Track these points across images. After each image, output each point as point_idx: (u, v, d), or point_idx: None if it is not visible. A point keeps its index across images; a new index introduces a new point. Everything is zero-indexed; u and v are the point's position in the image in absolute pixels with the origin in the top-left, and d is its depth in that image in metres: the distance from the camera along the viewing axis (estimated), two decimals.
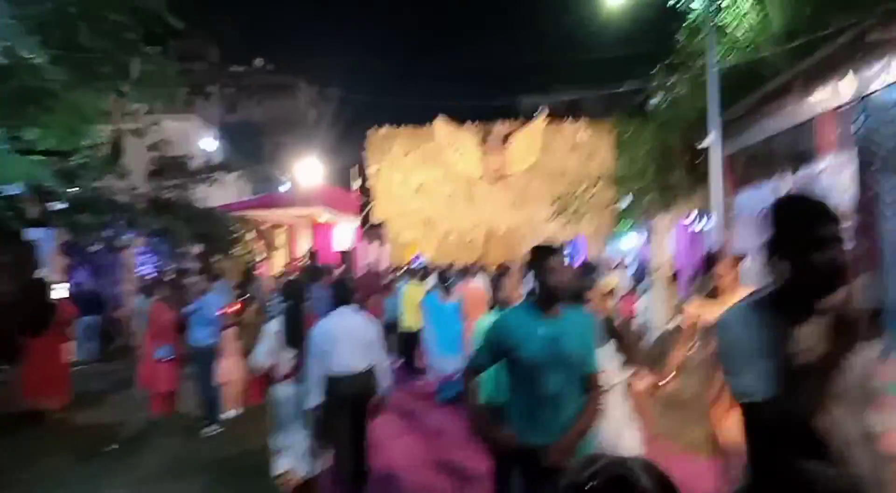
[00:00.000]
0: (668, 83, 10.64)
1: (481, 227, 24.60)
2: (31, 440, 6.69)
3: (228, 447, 6.23)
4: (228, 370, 7.26)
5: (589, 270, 5.95)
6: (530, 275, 3.50)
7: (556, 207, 24.08)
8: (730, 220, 10.13)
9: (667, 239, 11.64)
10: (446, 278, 8.64)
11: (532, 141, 24.53)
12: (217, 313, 6.88)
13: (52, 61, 6.91)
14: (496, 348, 3.37)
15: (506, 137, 24.54)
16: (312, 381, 4.70)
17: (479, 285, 9.64)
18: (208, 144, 21.35)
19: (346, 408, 4.79)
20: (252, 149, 26.04)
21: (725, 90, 10.25)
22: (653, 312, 11.35)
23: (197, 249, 16.09)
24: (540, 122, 24.73)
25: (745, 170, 10.41)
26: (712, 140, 8.32)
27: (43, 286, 8.72)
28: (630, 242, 24.13)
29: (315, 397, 4.67)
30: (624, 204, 11.59)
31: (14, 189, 10.05)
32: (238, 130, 29.00)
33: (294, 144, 21.71)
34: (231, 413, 7.23)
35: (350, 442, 4.86)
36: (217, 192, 20.09)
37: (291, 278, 8.45)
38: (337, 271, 13.63)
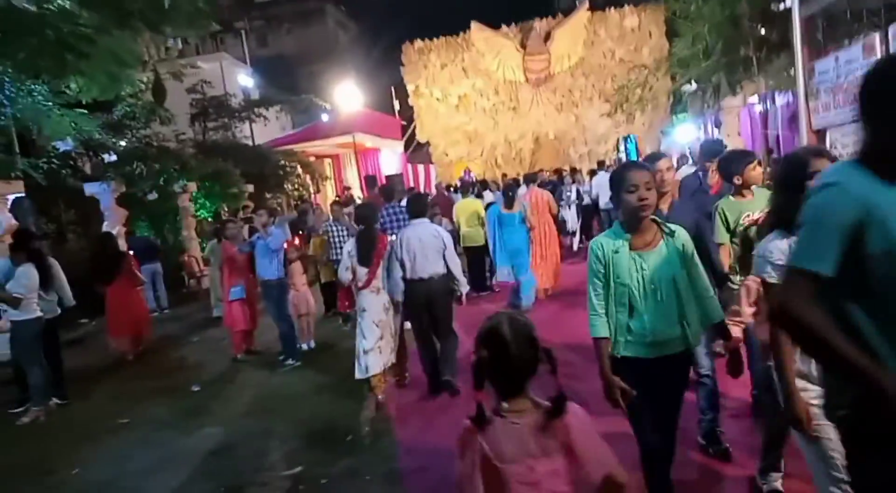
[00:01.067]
0: None
1: (528, 135, 23.77)
2: (121, 385, 6.90)
3: (308, 379, 6.24)
4: (299, 304, 7.23)
5: None
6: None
7: (607, 105, 23.01)
8: (809, 91, 9.26)
9: (736, 123, 10.81)
10: (509, 188, 8.41)
11: (575, 36, 23.10)
12: (280, 247, 6.76)
13: (81, 4, 6.62)
14: None
15: (546, 36, 23.20)
16: (394, 285, 5.27)
17: (541, 189, 9.49)
18: (244, 80, 20.99)
19: (425, 308, 5.31)
20: (288, 81, 25.57)
21: None
22: None
23: (250, 188, 16.09)
24: (582, 13, 23.18)
25: (824, 34, 9.42)
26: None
27: (111, 238, 8.82)
28: (686, 134, 22.92)
29: (397, 298, 5.30)
30: (688, 89, 10.67)
31: (66, 145, 10.06)
32: (271, 64, 28.46)
33: (329, 71, 21.15)
34: (306, 346, 7.26)
35: (429, 338, 5.44)
36: (260, 128, 19.92)
37: (362, 203, 8.46)
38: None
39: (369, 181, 19.68)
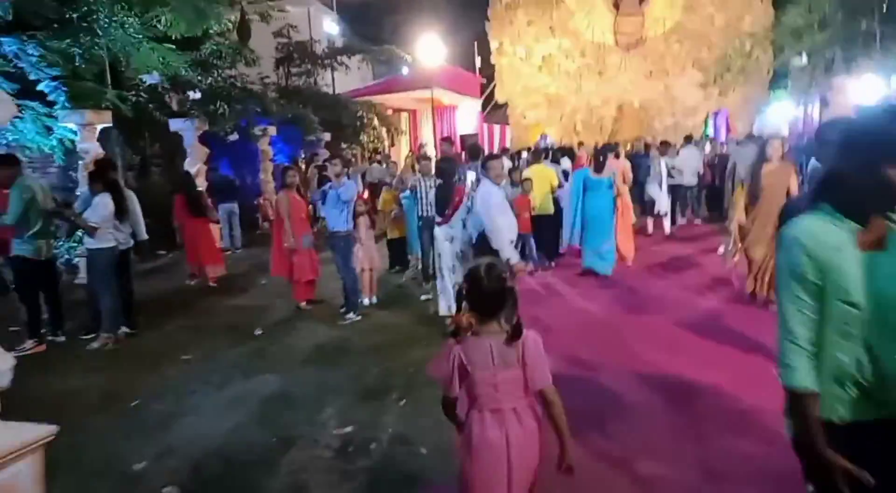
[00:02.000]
0: None
1: (612, 102, 22.67)
2: (189, 320, 7.02)
3: (367, 335, 6.13)
4: (364, 258, 7.11)
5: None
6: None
7: (700, 75, 21.58)
8: None
9: (847, 105, 9.79)
10: (602, 152, 8.22)
11: None
12: (352, 198, 6.60)
13: None
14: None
15: None
16: (470, 234, 5.77)
17: (621, 159, 9.23)
18: (330, 27, 20.83)
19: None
20: (372, 30, 25.23)
21: None
22: None
23: (327, 136, 16.09)
24: None
25: None
26: None
27: (189, 177, 8.99)
28: (783, 112, 21.32)
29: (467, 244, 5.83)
30: (797, 64, 9.69)
31: (153, 79, 10.18)
32: (356, 12, 28.13)
33: (414, 21, 20.66)
34: (367, 301, 7.17)
35: None
36: (341, 77, 19.80)
37: (442, 157, 8.57)
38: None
39: (444, 143, 19.34)
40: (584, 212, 8.04)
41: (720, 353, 5.11)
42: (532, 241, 8.45)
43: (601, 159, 8.31)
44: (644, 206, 10.99)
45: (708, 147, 13.46)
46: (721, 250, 6.17)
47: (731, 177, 10.46)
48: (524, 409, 2.30)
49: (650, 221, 11.03)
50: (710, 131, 20.78)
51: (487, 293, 2.28)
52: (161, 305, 7.67)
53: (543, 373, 2.28)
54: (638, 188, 10.67)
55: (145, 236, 6.78)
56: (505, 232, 5.38)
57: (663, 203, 10.60)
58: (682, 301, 6.74)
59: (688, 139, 13.41)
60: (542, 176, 8.82)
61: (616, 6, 22.00)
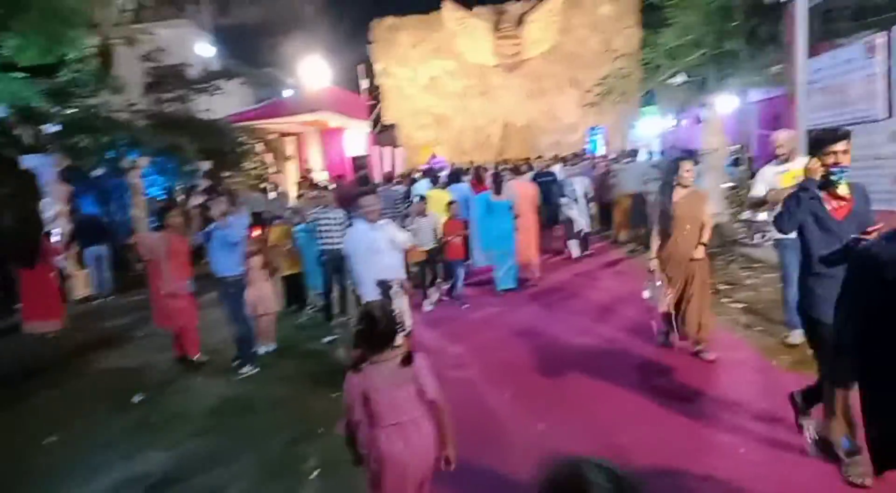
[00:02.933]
0: None
1: (498, 121, 23.13)
2: (49, 391, 6.04)
3: (267, 389, 5.50)
4: (257, 302, 6.47)
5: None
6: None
7: (577, 93, 22.50)
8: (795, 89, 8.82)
9: (720, 119, 10.37)
10: (499, 176, 8.22)
11: (549, 21, 22.49)
12: (241, 239, 5.96)
13: None
14: None
15: (520, 19, 22.51)
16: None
17: (529, 183, 9.51)
18: (205, 50, 19.64)
19: None
20: (250, 53, 24.13)
21: None
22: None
23: (206, 165, 15.02)
24: None
25: (814, 31, 8.96)
26: None
27: (38, 219, 7.94)
28: (651, 128, 22.64)
29: None
30: (675, 82, 10.15)
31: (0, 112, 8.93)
32: (234, 34, 26.94)
33: (295, 44, 19.98)
34: (264, 349, 6.53)
35: None
36: (219, 102, 18.68)
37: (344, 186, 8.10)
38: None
39: (357, 163, 18.75)
40: (489, 233, 8.25)
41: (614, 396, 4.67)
42: (461, 270, 8.16)
43: (499, 182, 8.47)
44: (564, 227, 10.45)
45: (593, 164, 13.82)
46: (646, 293, 5.38)
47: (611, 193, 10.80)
48: (421, 417, 2.67)
49: (573, 243, 10.33)
50: (602, 147, 21.57)
51: (382, 332, 2.63)
52: (16, 372, 6.59)
53: (433, 385, 2.68)
54: (550, 208, 10.34)
55: None
56: (366, 282, 4.89)
57: (583, 223, 10.24)
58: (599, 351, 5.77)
59: (576, 156, 13.78)
60: (438, 201, 8.62)
61: (496, 28, 22.47)
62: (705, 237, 5.19)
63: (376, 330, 2.62)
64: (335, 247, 6.99)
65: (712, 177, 10.34)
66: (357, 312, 2.88)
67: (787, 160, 5.18)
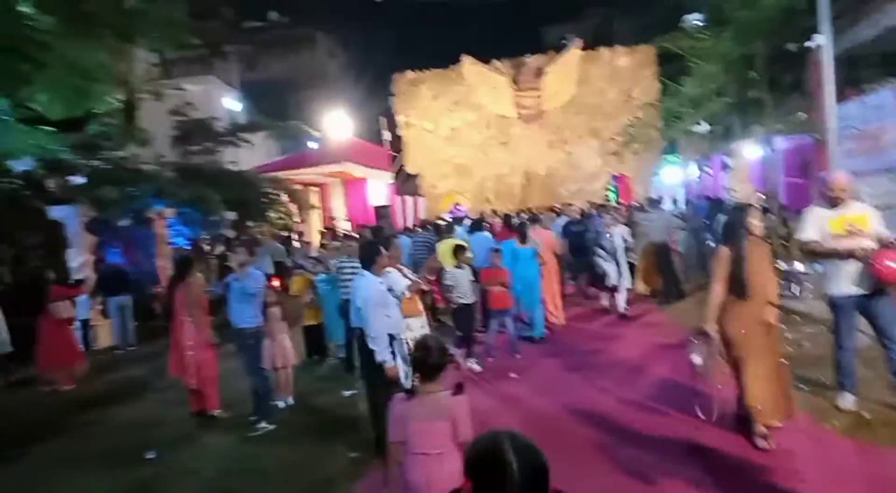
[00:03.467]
0: None
1: (519, 170, 23.14)
2: (59, 445, 5.83)
3: (285, 448, 5.23)
4: (276, 355, 6.27)
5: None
6: None
7: (597, 142, 22.56)
8: (825, 135, 8.62)
9: (746, 166, 10.15)
10: (524, 225, 8.14)
11: (567, 73, 22.66)
12: (259, 290, 5.81)
13: (37, 5, 5.71)
14: None
15: (538, 72, 22.73)
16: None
17: (550, 231, 9.46)
18: (231, 104, 20.14)
19: None
20: (276, 107, 24.73)
21: None
22: None
23: (231, 216, 15.13)
24: (574, 52, 22.80)
25: (846, 77, 8.83)
26: (822, 39, 6.76)
27: (63, 267, 7.94)
28: (674, 176, 22.48)
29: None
30: (701, 129, 10.00)
31: (26, 164, 9.05)
32: (260, 89, 27.69)
33: (318, 98, 20.39)
34: (283, 403, 6.28)
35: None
36: (245, 154, 19.03)
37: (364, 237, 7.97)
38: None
39: (380, 212, 18.81)
40: (516, 281, 7.93)
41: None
42: (509, 320, 7.58)
43: (524, 231, 8.43)
44: (594, 277, 9.98)
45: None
46: (695, 358, 4.61)
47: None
48: (449, 454, 2.73)
49: (604, 295, 9.72)
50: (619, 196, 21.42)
51: (434, 363, 2.82)
52: (21, 426, 6.39)
53: (467, 427, 2.75)
54: (581, 256, 9.98)
55: (7, 347, 5.66)
56: (380, 331, 4.59)
57: (613, 275, 9.27)
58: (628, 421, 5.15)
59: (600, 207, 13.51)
60: (446, 249, 8.43)
61: (515, 81, 22.71)
62: (775, 296, 4.52)
63: (429, 360, 2.82)
64: None
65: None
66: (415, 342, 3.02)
67: (837, 204, 4.72)
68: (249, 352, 5.92)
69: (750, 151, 10.02)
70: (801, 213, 5.57)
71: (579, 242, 9.92)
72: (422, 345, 2.90)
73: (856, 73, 8.78)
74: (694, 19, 12.02)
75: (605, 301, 9.72)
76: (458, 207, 20.71)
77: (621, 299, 9.25)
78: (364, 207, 20.42)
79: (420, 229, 13.70)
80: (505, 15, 44.46)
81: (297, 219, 17.71)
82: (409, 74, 23.18)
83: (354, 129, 21.56)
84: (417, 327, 5.54)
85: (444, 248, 8.27)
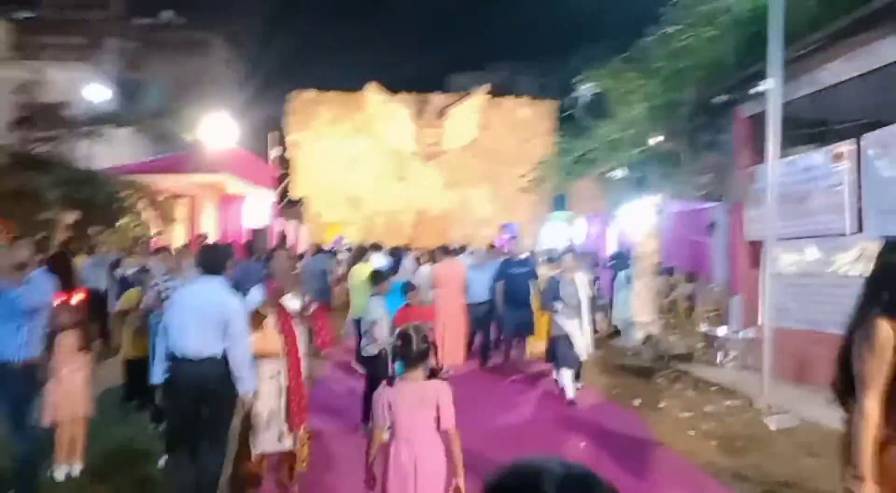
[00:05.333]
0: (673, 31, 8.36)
1: (412, 208, 21.95)
2: None
3: None
4: (60, 403, 4.26)
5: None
6: None
7: (491, 188, 22.00)
8: (749, 196, 8.04)
9: (651, 223, 9.45)
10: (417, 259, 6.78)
11: (470, 116, 22.07)
12: (35, 307, 3.83)
13: None
14: None
15: (442, 111, 21.95)
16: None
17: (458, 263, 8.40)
18: (96, 92, 17.28)
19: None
20: (154, 108, 21.97)
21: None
22: (636, 307, 9.13)
23: (69, 217, 12.48)
24: (479, 96, 22.31)
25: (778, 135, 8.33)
26: (770, 85, 6.06)
27: None
28: (558, 232, 22.27)
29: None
30: (618, 174, 9.19)
31: None
32: (139, 88, 24.71)
33: (206, 106, 18.08)
34: (63, 473, 4.28)
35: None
36: (107, 152, 16.27)
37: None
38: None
39: (255, 235, 16.63)
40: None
41: None
42: None
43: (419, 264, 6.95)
44: (556, 345, 6.67)
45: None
46: None
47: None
48: (433, 442, 2.86)
49: (566, 375, 6.56)
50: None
51: (416, 351, 2.91)
52: None
53: (451, 416, 2.88)
54: (520, 308, 7.76)
55: None
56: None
57: (580, 344, 6.56)
58: None
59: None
60: (361, 276, 6.92)
61: (419, 117, 21.75)
62: None
63: (411, 349, 2.90)
64: None
65: (643, 283, 9.27)
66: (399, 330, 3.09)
67: None
68: (14, 398, 3.91)
69: (656, 205, 9.33)
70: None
71: (519, 289, 7.74)
72: (403, 334, 2.96)
73: (792, 133, 8.34)
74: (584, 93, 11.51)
75: (567, 385, 6.55)
76: (341, 239, 18.97)
77: (569, 379, 6.50)
78: (238, 226, 18.15)
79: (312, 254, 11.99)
80: (413, 52, 44.15)
81: (155, 231, 15.15)
82: (308, 93, 21.54)
83: (240, 141, 19.40)
84: (267, 376, 3.91)
85: (359, 274, 6.76)
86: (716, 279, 9.36)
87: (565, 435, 5.57)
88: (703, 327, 7.52)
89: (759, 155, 8.41)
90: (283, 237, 17.99)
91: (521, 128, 22.57)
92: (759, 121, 8.26)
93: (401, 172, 21.86)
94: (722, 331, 7.16)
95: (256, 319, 3.92)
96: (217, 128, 14.46)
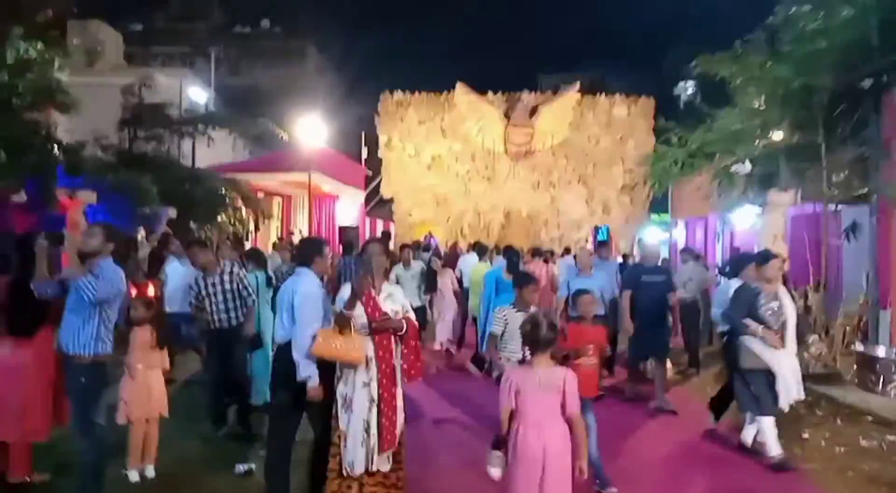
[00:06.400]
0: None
1: (500, 208, 21.20)
2: None
3: None
4: (134, 401, 3.94)
5: None
6: None
7: (584, 189, 20.95)
8: None
9: (781, 224, 8.25)
10: (514, 253, 6.17)
11: (562, 115, 21.01)
12: (109, 298, 3.49)
13: None
14: None
15: (533, 110, 21.03)
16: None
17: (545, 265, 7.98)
18: (197, 94, 17.78)
19: None
20: (252, 113, 22.53)
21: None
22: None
23: (171, 212, 12.74)
24: (571, 94, 21.22)
25: None
26: None
27: None
28: (657, 236, 20.83)
29: None
30: (742, 169, 8.05)
31: None
32: (238, 92, 25.56)
33: (300, 110, 18.21)
34: (136, 475, 3.95)
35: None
36: (207, 151, 16.69)
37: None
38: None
39: (345, 233, 16.60)
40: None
41: None
42: (592, 419, 4.19)
43: (513, 260, 6.76)
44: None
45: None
46: None
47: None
48: (559, 426, 2.93)
49: (767, 429, 4.71)
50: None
51: (544, 337, 2.96)
52: None
53: (575, 402, 2.94)
54: (656, 328, 6.20)
55: None
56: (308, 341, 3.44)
57: (791, 386, 4.73)
58: None
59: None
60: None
61: (507, 116, 20.99)
62: None
63: (540, 335, 2.95)
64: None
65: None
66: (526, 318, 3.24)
67: None
68: (80, 396, 3.57)
69: (786, 204, 8.12)
70: None
71: (655, 303, 6.18)
72: (532, 321, 3.03)
73: None
74: (688, 87, 10.49)
75: (766, 432, 4.71)
76: (431, 238, 18.54)
77: (772, 430, 4.69)
78: (330, 224, 18.15)
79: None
80: (503, 53, 43.58)
81: (251, 226, 15.32)
82: (397, 95, 21.28)
83: (333, 142, 19.44)
84: (360, 384, 3.37)
85: (478, 272, 6.65)
86: (851, 291, 8.04)
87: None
88: (858, 346, 6.29)
89: None
90: (386, 234, 17.71)
91: (615, 127, 21.34)
92: None
93: (489, 171, 21.18)
94: (882, 350, 5.94)
95: (340, 321, 3.37)
96: (310, 129, 14.36)
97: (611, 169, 21.05)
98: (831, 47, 6.95)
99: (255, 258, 6.11)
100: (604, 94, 21.78)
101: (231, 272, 5.21)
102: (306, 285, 3.60)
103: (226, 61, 30.16)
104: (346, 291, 3.55)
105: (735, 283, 5.33)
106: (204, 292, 5.13)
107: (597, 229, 22.05)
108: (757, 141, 7.69)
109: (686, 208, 16.81)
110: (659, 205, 21.43)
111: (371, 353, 3.42)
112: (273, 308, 4.67)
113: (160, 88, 14.97)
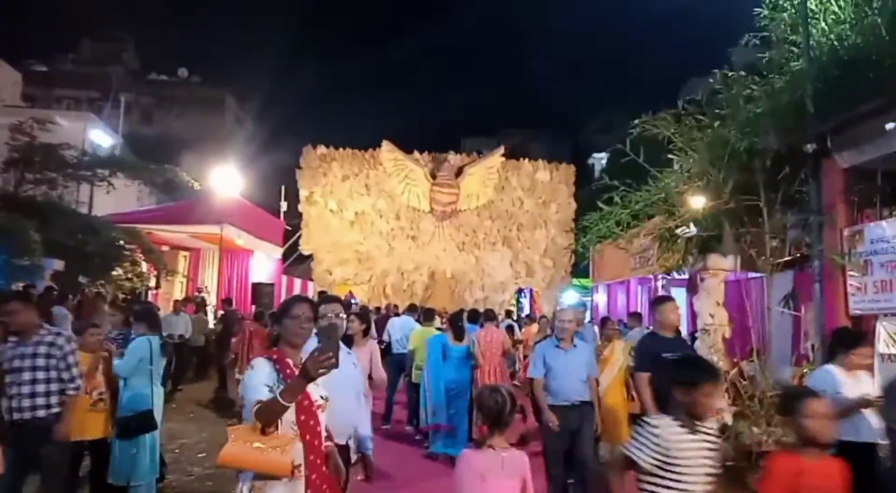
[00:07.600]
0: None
1: (424, 268, 20.56)
2: None
3: None
4: None
5: None
6: None
7: (509, 251, 20.78)
8: (852, 262, 6.63)
9: (719, 289, 8.00)
10: (458, 318, 6.31)
11: (487, 177, 21.02)
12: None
13: None
14: None
15: (458, 171, 20.91)
16: None
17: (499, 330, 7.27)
18: (102, 138, 16.22)
19: None
20: (164, 162, 20.95)
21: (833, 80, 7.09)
22: None
23: (58, 264, 11.12)
24: (496, 157, 21.34)
25: (877, 191, 7.08)
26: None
27: None
28: (579, 297, 20.80)
29: None
30: (686, 233, 7.79)
31: None
32: (148, 141, 23.91)
33: (216, 161, 17.00)
34: None
35: None
36: (108, 200, 15.08)
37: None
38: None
39: (260, 290, 15.16)
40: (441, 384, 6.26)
41: None
42: None
43: (459, 325, 6.57)
44: None
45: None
46: None
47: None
48: None
49: None
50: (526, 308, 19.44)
51: (507, 416, 2.73)
52: None
53: (531, 487, 2.74)
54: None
55: None
56: None
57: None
58: None
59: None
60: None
61: (433, 175, 20.73)
62: None
63: (504, 412, 2.72)
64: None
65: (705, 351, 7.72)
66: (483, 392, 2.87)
67: None
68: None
69: (726, 269, 7.90)
70: None
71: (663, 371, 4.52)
72: (498, 395, 2.76)
73: (874, 190, 7.01)
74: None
75: None
76: (351, 298, 17.46)
77: None
78: (243, 281, 16.72)
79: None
80: (426, 114, 44.14)
81: (152, 283, 13.72)
82: (321, 149, 20.58)
83: (251, 195, 18.21)
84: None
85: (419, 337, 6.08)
86: (786, 359, 7.83)
87: None
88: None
89: (859, 213, 7.08)
90: (351, 295, 16.43)
91: (538, 191, 21.58)
92: (852, 175, 7.02)
93: (414, 231, 20.64)
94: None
95: (267, 414, 2.39)
96: (224, 180, 13.26)
97: (534, 232, 21.12)
98: (772, 110, 6.93)
99: (148, 319, 4.87)
100: (527, 159, 22.10)
101: (52, 343, 3.86)
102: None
103: (138, 108, 28.46)
104: (264, 370, 2.56)
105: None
106: (6, 366, 3.76)
107: (519, 291, 21.89)
108: (701, 204, 7.45)
109: (608, 273, 16.77)
110: (582, 269, 21.63)
111: (300, 459, 2.45)
112: (165, 382, 3.60)
113: (60, 131, 13.47)
